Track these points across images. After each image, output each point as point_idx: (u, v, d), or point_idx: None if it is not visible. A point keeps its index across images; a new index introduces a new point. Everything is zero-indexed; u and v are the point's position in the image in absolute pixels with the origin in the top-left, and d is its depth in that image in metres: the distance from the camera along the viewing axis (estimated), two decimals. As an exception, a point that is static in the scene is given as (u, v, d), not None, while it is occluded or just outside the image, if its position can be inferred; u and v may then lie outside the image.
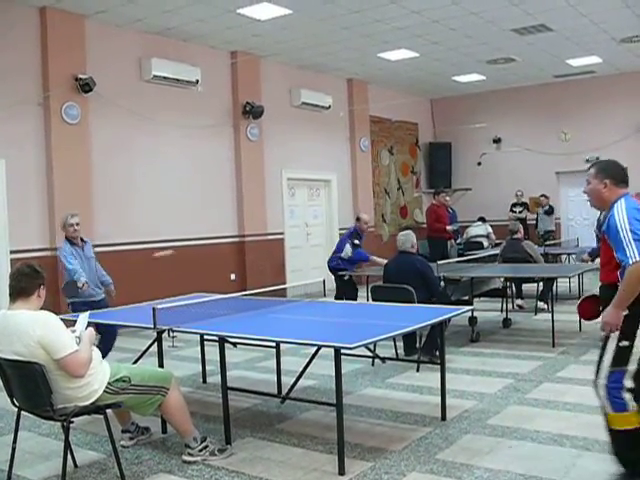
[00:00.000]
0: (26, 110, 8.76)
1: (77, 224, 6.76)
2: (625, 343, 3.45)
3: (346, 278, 9.28)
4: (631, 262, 3.33)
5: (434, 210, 12.67)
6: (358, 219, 9.77)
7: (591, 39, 11.61)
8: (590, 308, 4.04)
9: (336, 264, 9.46)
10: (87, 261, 6.79)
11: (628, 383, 3.46)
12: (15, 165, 8.65)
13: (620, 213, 3.49)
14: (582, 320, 4.02)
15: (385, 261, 9.44)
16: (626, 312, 3.43)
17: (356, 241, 9.50)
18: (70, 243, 6.74)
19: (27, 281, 3.82)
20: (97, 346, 4.21)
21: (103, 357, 4.11)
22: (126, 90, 9.94)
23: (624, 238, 3.39)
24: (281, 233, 12.57)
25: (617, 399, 3.48)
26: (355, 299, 9.12)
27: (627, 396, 3.46)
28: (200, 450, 4.22)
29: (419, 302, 6.22)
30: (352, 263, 9.49)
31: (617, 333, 3.47)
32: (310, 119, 13.22)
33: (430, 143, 17.09)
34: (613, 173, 3.71)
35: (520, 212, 14.83)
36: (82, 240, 6.87)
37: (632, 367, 3.45)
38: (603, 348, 3.57)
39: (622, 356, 3.47)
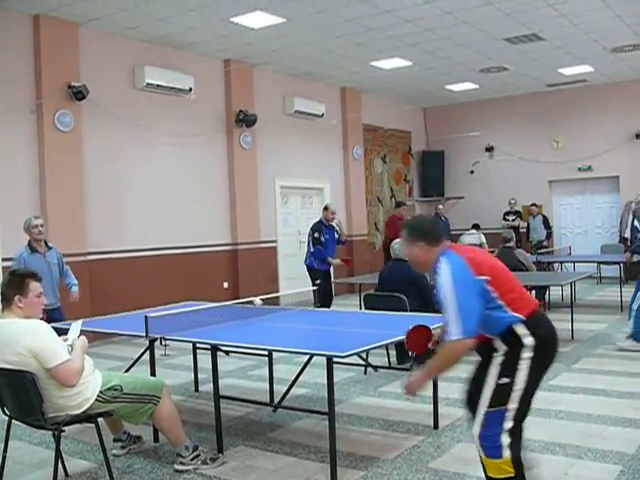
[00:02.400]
0: (19, 117, 8.75)
1: (41, 225, 6.66)
2: (505, 380, 3.17)
3: (317, 282, 9.19)
4: (452, 338, 3.11)
5: (394, 222, 12.52)
6: (325, 208, 9.73)
7: (583, 48, 11.68)
8: (420, 341, 3.78)
9: (309, 262, 9.45)
10: (47, 267, 6.59)
11: (509, 424, 3.12)
12: (7, 172, 8.63)
13: (445, 279, 3.13)
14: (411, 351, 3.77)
15: (339, 261, 9.47)
16: (505, 349, 3.21)
17: (316, 234, 9.45)
18: (30, 249, 6.60)
19: (5, 290, 3.82)
20: None
21: None
22: (119, 98, 9.94)
23: (449, 308, 3.10)
24: (274, 241, 12.57)
25: (491, 444, 3.13)
26: (327, 306, 8.90)
27: (505, 441, 3.10)
28: (192, 459, 4.20)
29: (412, 310, 6.22)
30: (321, 260, 9.39)
31: (495, 371, 3.22)
32: (303, 127, 13.24)
33: (423, 151, 17.13)
34: (426, 233, 3.32)
35: (513, 220, 14.87)
36: (46, 245, 6.75)
37: (513, 405, 3.14)
38: (476, 389, 3.35)
39: (502, 394, 3.16)
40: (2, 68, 8.61)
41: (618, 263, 11.20)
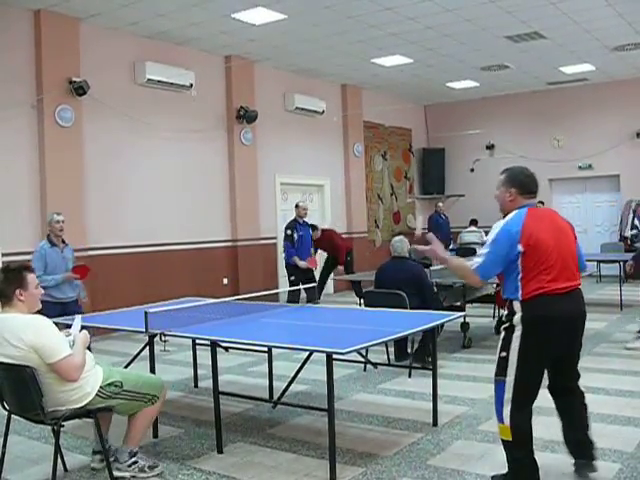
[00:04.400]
0: (20, 113, 8.74)
1: (63, 222, 6.89)
2: (503, 354, 3.58)
3: (292, 279, 9.35)
4: (474, 267, 3.59)
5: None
6: (296, 205, 9.86)
7: (584, 47, 11.67)
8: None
9: (286, 257, 9.67)
10: (64, 262, 6.87)
11: (508, 395, 3.53)
12: (8, 167, 8.63)
13: (499, 226, 3.60)
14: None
15: (305, 263, 9.57)
16: (507, 325, 3.61)
17: (288, 231, 9.60)
18: (50, 243, 6.83)
19: (3, 287, 3.80)
20: None
21: None
22: (120, 93, 9.93)
23: (484, 247, 3.63)
24: (274, 238, 12.56)
25: (498, 409, 3.58)
26: (309, 299, 8.89)
27: (505, 409, 3.54)
28: (129, 465, 4.04)
29: (412, 308, 6.23)
30: (288, 257, 9.62)
31: (499, 344, 3.64)
32: (304, 124, 13.23)
33: (424, 149, 17.12)
34: (521, 183, 3.74)
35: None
36: (63, 241, 6.96)
37: (509, 379, 3.53)
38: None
39: (501, 366, 3.58)
40: (3, 63, 8.60)
41: (618, 262, 11.19)
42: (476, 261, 3.59)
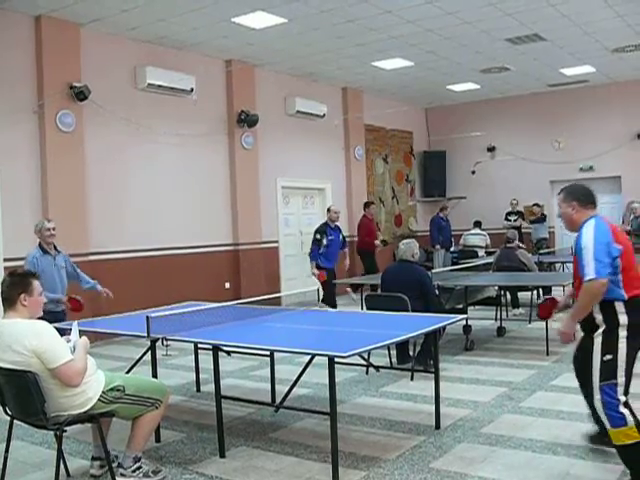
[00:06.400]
0: (21, 118, 8.76)
1: (53, 229, 6.66)
2: (609, 357, 3.61)
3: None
4: (587, 279, 3.59)
5: (366, 223, 12.71)
6: (328, 209, 9.96)
7: (584, 49, 11.67)
8: (548, 309, 4.19)
9: (311, 258, 9.90)
10: (57, 270, 6.65)
11: (622, 397, 3.55)
12: (9, 173, 8.63)
13: (587, 234, 3.68)
14: (542, 318, 4.19)
15: (316, 272, 9.69)
16: (604, 327, 3.67)
17: (318, 235, 9.72)
18: (42, 251, 6.60)
19: (8, 291, 3.81)
20: None
21: None
22: (121, 98, 9.95)
23: (585, 256, 3.62)
24: (275, 241, 12.57)
25: (615, 413, 3.55)
26: (331, 304, 9.08)
27: (625, 411, 3.53)
28: (133, 471, 4.02)
29: (414, 311, 6.22)
30: (327, 258, 9.74)
31: (598, 349, 3.65)
32: (305, 127, 13.24)
33: (424, 152, 17.13)
34: (579, 195, 3.90)
35: (515, 220, 14.85)
36: (55, 248, 6.76)
37: (621, 380, 3.58)
38: (585, 365, 3.78)
39: (609, 369, 3.60)
40: (4, 68, 8.62)
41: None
42: (587, 273, 3.59)
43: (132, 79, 10.16)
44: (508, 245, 9.86)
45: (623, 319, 3.63)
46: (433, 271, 8.07)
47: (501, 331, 8.51)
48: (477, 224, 14.62)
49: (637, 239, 13.30)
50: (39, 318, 3.88)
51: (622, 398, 3.55)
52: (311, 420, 5.20)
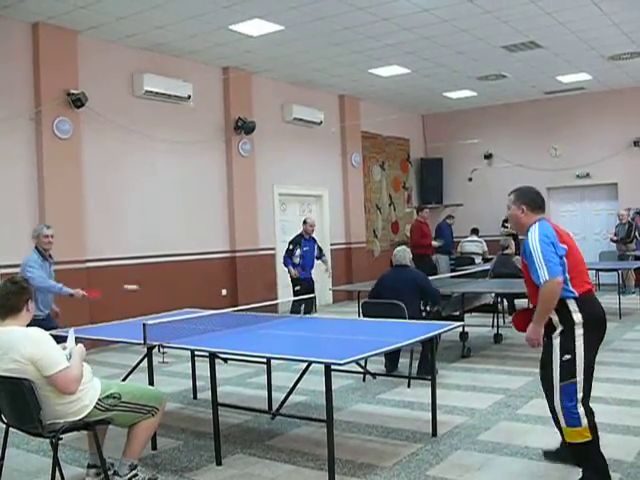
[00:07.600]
0: (18, 125, 8.76)
1: (52, 236, 6.65)
2: (567, 357, 3.67)
3: (296, 289, 9.62)
4: (542, 281, 3.65)
5: (419, 226, 12.90)
6: (304, 222, 10.01)
7: (581, 56, 11.71)
8: (523, 321, 4.15)
9: (284, 264, 10.04)
10: (50, 277, 6.67)
11: (580, 395, 3.65)
12: (6, 179, 8.64)
13: (533, 237, 3.77)
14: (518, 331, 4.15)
15: (294, 272, 9.63)
16: (561, 328, 3.71)
17: (291, 246, 9.88)
18: (42, 257, 6.57)
19: (15, 298, 3.80)
20: None
21: None
22: (118, 105, 9.96)
23: (536, 260, 3.69)
24: (272, 248, 12.56)
25: (571, 413, 3.65)
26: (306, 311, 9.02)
27: (581, 411, 3.64)
28: (129, 478, 3.98)
29: (411, 317, 6.23)
30: (303, 269, 9.81)
31: (557, 350, 3.70)
32: (302, 135, 13.26)
33: (421, 159, 17.15)
34: (530, 200, 4.05)
35: (511, 227, 14.82)
36: (50, 256, 6.76)
37: (580, 378, 3.65)
38: (546, 369, 3.85)
39: (567, 369, 3.67)
40: (1, 75, 8.63)
41: (616, 270, 11.22)
42: (540, 276, 3.65)
43: (129, 86, 10.17)
44: (505, 252, 9.87)
45: (578, 317, 3.68)
46: (433, 277, 8.08)
47: (498, 338, 8.51)
48: (474, 231, 14.65)
49: (623, 246, 13.40)
50: (28, 325, 3.88)
51: (579, 396, 3.63)
52: (308, 427, 5.19)
